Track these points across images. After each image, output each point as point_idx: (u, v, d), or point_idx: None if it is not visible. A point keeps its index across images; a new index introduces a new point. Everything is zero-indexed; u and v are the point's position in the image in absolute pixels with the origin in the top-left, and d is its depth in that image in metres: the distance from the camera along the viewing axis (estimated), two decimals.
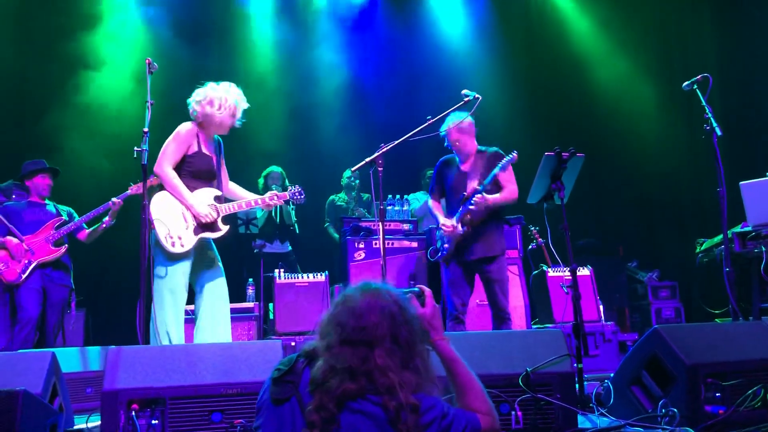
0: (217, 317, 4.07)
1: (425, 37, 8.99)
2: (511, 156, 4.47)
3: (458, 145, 4.69)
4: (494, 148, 4.73)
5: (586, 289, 6.01)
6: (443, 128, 4.60)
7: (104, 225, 5.16)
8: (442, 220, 4.69)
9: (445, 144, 4.74)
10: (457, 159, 4.81)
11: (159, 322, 3.88)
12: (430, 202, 4.90)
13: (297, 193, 4.36)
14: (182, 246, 3.95)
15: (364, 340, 1.80)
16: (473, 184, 4.55)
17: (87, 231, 5.25)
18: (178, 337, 3.92)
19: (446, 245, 4.67)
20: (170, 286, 3.94)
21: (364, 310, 1.84)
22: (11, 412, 2.03)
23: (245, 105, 4.21)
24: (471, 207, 4.47)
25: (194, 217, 4.01)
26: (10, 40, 7.36)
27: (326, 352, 1.84)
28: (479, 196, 4.44)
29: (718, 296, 6.61)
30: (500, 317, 4.57)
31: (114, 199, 5.05)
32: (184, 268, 3.98)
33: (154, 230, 3.91)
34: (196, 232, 4.02)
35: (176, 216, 3.99)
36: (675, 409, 2.61)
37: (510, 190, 4.59)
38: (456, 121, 4.54)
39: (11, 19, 7.41)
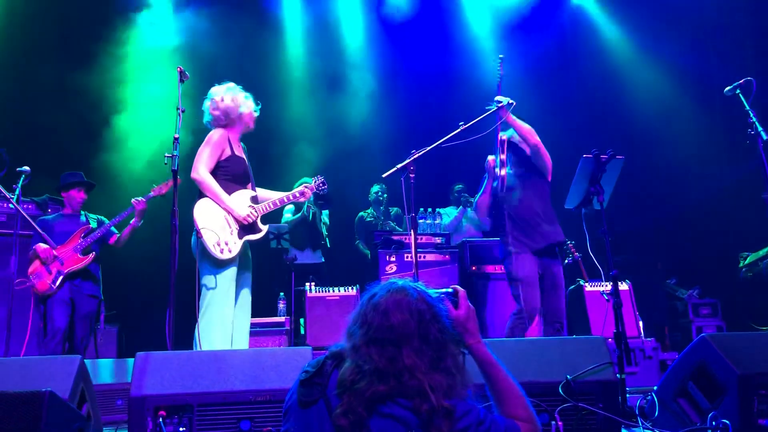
0: (245, 324, 4.07)
1: (459, 44, 8.90)
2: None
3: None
4: None
5: (626, 305, 5.78)
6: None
7: (132, 227, 5.17)
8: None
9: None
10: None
11: (204, 332, 3.81)
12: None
13: (320, 184, 4.46)
14: (230, 252, 3.94)
15: (391, 338, 1.73)
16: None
17: (116, 236, 5.27)
18: (223, 347, 3.84)
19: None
20: (220, 294, 3.90)
21: (390, 307, 1.76)
22: (36, 413, 1.98)
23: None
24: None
25: (236, 220, 4.01)
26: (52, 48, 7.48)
27: (353, 353, 1.77)
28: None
29: (764, 311, 6.34)
30: (554, 325, 4.38)
31: (135, 200, 5.05)
32: (232, 274, 3.97)
33: (201, 239, 3.90)
34: (240, 236, 4.02)
35: (220, 222, 3.98)
36: (727, 422, 2.45)
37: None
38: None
39: (51, 24, 7.54)
